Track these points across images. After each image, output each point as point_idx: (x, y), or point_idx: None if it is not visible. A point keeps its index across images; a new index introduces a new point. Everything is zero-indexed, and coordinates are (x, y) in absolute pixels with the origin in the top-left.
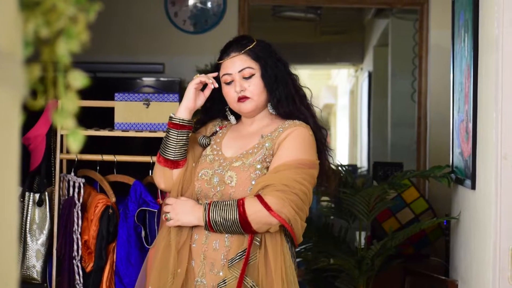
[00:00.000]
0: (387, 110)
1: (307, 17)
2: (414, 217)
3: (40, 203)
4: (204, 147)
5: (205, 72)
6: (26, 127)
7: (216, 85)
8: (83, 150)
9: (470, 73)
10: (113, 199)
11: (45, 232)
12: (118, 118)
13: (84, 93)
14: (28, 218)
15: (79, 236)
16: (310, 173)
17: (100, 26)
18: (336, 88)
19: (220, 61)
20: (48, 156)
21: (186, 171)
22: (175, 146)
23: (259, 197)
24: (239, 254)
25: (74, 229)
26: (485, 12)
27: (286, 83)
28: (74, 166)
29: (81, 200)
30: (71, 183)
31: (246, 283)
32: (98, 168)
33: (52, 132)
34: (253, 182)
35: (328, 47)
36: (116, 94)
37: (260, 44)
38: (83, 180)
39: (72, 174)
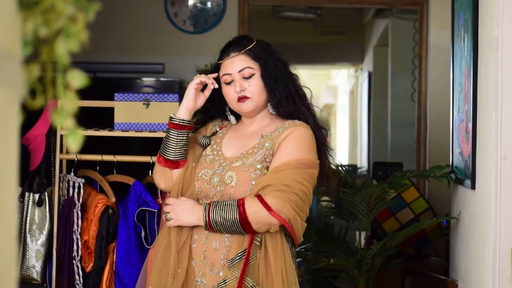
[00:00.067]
0: (387, 110)
1: (307, 17)
2: (414, 217)
3: (40, 203)
4: (204, 147)
5: (205, 72)
6: (26, 127)
7: (216, 86)
8: (83, 150)
9: (470, 73)
10: (113, 199)
11: (45, 232)
12: (118, 118)
13: (84, 93)
14: (28, 218)
15: (79, 236)
16: (310, 173)
17: (100, 26)
18: (336, 88)
19: (220, 61)
20: (48, 156)
21: (186, 171)
22: (175, 146)
23: (259, 197)
24: (239, 254)
25: (74, 229)
26: (484, 12)
27: (286, 83)
28: (74, 166)
29: (81, 200)
30: (71, 183)
31: (246, 283)
32: (98, 168)
33: (52, 132)
34: (253, 182)
35: (328, 47)
36: (116, 94)
37: (260, 44)
38: (83, 180)
39: (72, 174)
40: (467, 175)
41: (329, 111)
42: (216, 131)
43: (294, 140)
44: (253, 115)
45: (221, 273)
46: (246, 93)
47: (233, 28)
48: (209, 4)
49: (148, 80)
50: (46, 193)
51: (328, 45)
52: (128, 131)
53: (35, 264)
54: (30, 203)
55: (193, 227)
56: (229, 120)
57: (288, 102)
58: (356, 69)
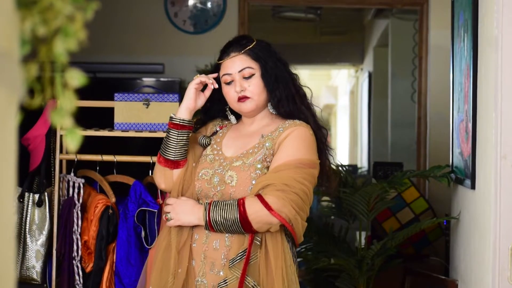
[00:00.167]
0: (387, 110)
1: (307, 18)
2: (414, 217)
3: (39, 203)
4: (204, 147)
5: (205, 72)
6: (26, 127)
7: (216, 86)
8: (83, 151)
9: (469, 73)
10: (113, 199)
11: (45, 232)
12: (118, 118)
13: (84, 93)
14: (28, 218)
15: (78, 237)
16: (310, 173)
17: (100, 26)
18: (336, 89)
19: (220, 61)
20: (48, 156)
21: (187, 171)
22: (176, 146)
23: (259, 196)
24: (239, 254)
25: (73, 229)
26: (484, 12)
27: (286, 82)
28: (73, 166)
29: (80, 200)
30: (71, 184)
31: (247, 283)
32: (98, 168)
33: (51, 132)
34: (253, 182)
35: (328, 48)
36: (115, 94)
37: (260, 44)
38: (83, 181)
39: (72, 174)
40: (467, 175)
41: (329, 111)
42: (216, 131)
43: (295, 139)
44: (253, 115)
45: (221, 273)
46: (246, 93)
47: (233, 28)
48: (209, 4)
49: (148, 80)
50: (46, 193)
51: (328, 46)
52: (128, 131)
53: (35, 265)
54: (30, 203)
55: (194, 227)
56: (229, 120)
57: (289, 102)
58: (356, 69)
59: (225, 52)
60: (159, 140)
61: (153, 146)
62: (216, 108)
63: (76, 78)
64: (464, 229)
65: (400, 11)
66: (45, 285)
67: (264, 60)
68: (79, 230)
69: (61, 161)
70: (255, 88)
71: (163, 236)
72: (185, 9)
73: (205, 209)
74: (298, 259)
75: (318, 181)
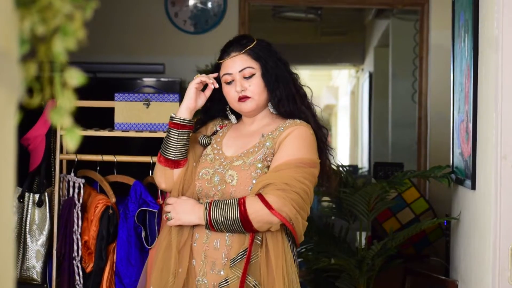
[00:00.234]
0: (388, 110)
1: (307, 18)
2: (415, 217)
3: (40, 203)
4: (205, 146)
5: (206, 72)
6: (26, 127)
7: (217, 86)
8: (83, 151)
9: (470, 73)
10: (113, 200)
11: (45, 232)
12: (118, 118)
13: (84, 93)
14: (28, 218)
15: (79, 237)
16: (311, 172)
17: (101, 26)
18: (337, 89)
19: (221, 61)
20: (48, 156)
21: (187, 171)
22: (176, 146)
23: (260, 196)
24: (240, 253)
25: (74, 229)
26: (485, 12)
27: (286, 82)
28: (74, 166)
29: (81, 200)
30: (71, 184)
31: (248, 282)
32: (98, 168)
33: (51, 132)
34: (254, 181)
35: (329, 48)
36: (116, 94)
37: (260, 44)
38: (83, 181)
39: (72, 174)
40: (467, 176)
41: (330, 111)
42: (217, 131)
43: (295, 139)
44: (253, 115)
45: (222, 272)
46: (246, 92)
47: (234, 29)
48: (209, 4)
49: (148, 80)
50: (46, 194)
51: (329, 46)
52: (128, 131)
53: (35, 265)
54: (30, 203)
55: (194, 227)
56: (230, 120)
57: (289, 101)
58: (357, 70)
59: (225, 52)
60: (160, 140)
61: (153, 146)
62: (216, 108)
63: (75, 77)
64: (464, 229)
65: (401, 11)
66: (45, 285)
67: (265, 59)
68: (79, 230)
69: (61, 161)
70: (255, 88)
71: (163, 236)
72: (185, 9)
73: (206, 209)
74: (299, 259)
75: (318, 181)
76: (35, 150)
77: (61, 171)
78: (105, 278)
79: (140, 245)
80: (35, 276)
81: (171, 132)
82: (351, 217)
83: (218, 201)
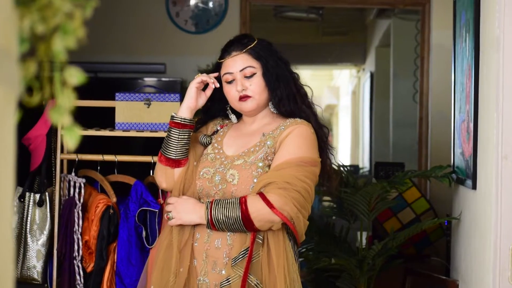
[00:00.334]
0: (389, 110)
1: (309, 18)
2: (415, 217)
3: (40, 203)
4: (205, 146)
5: (207, 72)
6: (26, 127)
7: (218, 85)
8: (84, 150)
9: (471, 73)
10: (114, 199)
11: (46, 232)
12: (119, 118)
13: (85, 93)
14: (29, 218)
15: (79, 236)
16: (312, 171)
17: (102, 26)
18: (338, 89)
19: (221, 60)
20: (49, 156)
21: (188, 170)
22: (177, 145)
23: (261, 195)
24: (242, 252)
25: (74, 229)
26: (486, 12)
27: (287, 81)
28: (74, 166)
29: (81, 200)
30: (72, 183)
31: (250, 282)
32: (99, 168)
33: (52, 132)
34: (255, 180)
35: (330, 48)
36: (117, 94)
37: (261, 43)
38: (84, 180)
39: (73, 174)
40: (468, 175)
41: (331, 111)
42: (217, 130)
43: (296, 138)
44: (254, 114)
45: (223, 272)
46: (247, 92)
47: (235, 28)
48: (210, 4)
49: (149, 80)
50: (47, 193)
51: (330, 46)
52: (129, 131)
53: (36, 264)
54: (31, 203)
55: (195, 226)
56: (230, 119)
57: (290, 101)
58: (358, 70)
59: (226, 51)
60: (160, 140)
61: (154, 146)
62: (216, 107)
63: (75, 76)
64: (465, 229)
65: (402, 11)
66: (46, 285)
67: (265, 59)
68: (80, 230)
69: (62, 160)
70: (256, 87)
71: (164, 236)
72: (186, 9)
73: (207, 208)
74: (299, 259)
75: (319, 181)
76: (35, 150)
77: (61, 171)
78: (106, 278)
79: (141, 245)
80: (35, 276)
81: (172, 132)
82: (352, 217)
83: (219, 200)
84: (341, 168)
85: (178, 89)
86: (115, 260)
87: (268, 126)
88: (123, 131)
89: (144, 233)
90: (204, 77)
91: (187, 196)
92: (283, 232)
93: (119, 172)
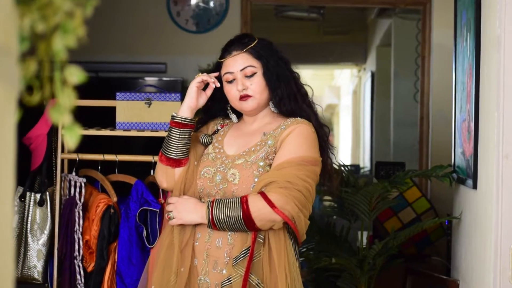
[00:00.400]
0: (390, 110)
1: (310, 17)
2: (416, 217)
3: (41, 203)
4: (206, 145)
5: (208, 71)
6: (27, 126)
7: (218, 85)
8: (85, 150)
9: (472, 72)
10: (115, 199)
11: (46, 232)
12: (119, 118)
13: (86, 93)
14: (29, 218)
15: (80, 236)
16: (313, 170)
17: (103, 25)
18: (339, 88)
19: (222, 60)
20: (49, 155)
21: (188, 170)
22: (177, 144)
23: (262, 194)
24: (243, 252)
25: (75, 229)
26: (487, 11)
27: (288, 81)
28: (75, 165)
29: (82, 199)
30: (73, 183)
31: (251, 281)
32: (99, 167)
33: (53, 131)
34: (256, 180)
35: (331, 47)
36: (117, 93)
37: (261, 43)
38: (85, 180)
39: (74, 173)
40: (469, 175)
41: (332, 111)
42: (218, 130)
43: (297, 137)
44: (255, 114)
45: (224, 271)
46: (248, 91)
47: (236, 28)
48: (211, 4)
49: (150, 79)
50: (47, 193)
51: (331, 45)
52: (130, 131)
53: (37, 264)
54: (32, 203)
55: (196, 226)
56: (231, 119)
57: (290, 100)
58: (359, 69)
59: (226, 51)
60: (161, 139)
61: (155, 145)
62: (217, 107)
63: (75, 75)
64: (466, 229)
65: (403, 10)
66: (47, 284)
67: (266, 58)
68: (80, 229)
69: (62, 160)
70: (257, 87)
71: (165, 235)
72: (187, 8)
73: (208, 207)
74: (300, 259)
75: (319, 180)
76: (36, 149)
77: (62, 171)
78: (106, 277)
79: (142, 245)
80: (36, 276)
81: (172, 131)
82: (353, 217)
83: (220, 199)
84: (342, 168)
85: (179, 89)
86: (116, 260)
87: (269, 126)
88: (124, 130)
89: (144, 232)
90: (204, 76)
91: (188, 195)
92: (284, 231)
93: (120, 172)
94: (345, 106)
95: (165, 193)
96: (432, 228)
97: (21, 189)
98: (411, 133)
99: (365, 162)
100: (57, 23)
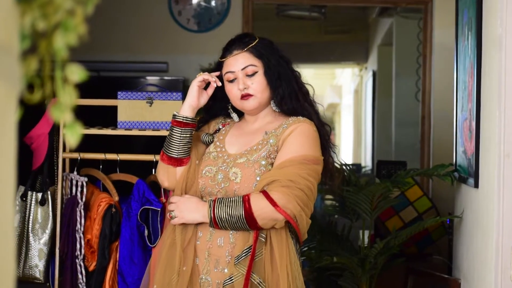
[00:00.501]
0: (391, 109)
1: (311, 16)
2: (418, 216)
3: (42, 202)
4: (207, 144)
5: (209, 71)
6: (29, 126)
7: (220, 84)
8: (86, 149)
9: (473, 71)
10: (116, 198)
11: (48, 231)
12: (121, 117)
13: (87, 92)
14: (31, 217)
15: (82, 235)
16: (314, 169)
17: (104, 25)
18: (341, 88)
19: (223, 59)
20: (51, 155)
21: (190, 169)
22: (179, 144)
23: (264, 193)
24: (245, 251)
25: (76, 228)
26: (488, 10)
27: (289, 80)
28: (76, 165)
29: (84, 199)
30: (74, 182)
31: (252, 280)
32: (101, 167)
33: (54, 131)
34: (257, 178)
35: (333, 46)
36: (119, 92)
37: (262, 42)
38: (86, 179)
39: (75, 173)
40: (470, 174)
41: (333, 110)
42: (219, 129)
43: (299, 136)
44: (256, 113)
45: (226, 270)
46: (249, 90)
47: (237, 27)
48: (213, 3)
49: (151, 78)
50: (49, 192)
51: (332, 44)
52: (131, 130)
53: (38, 264)
54: (33, 202)
55: (197, 225)
56: (232, 118)
57: (292, 99)
58: (360, 68)
59: (227, 50)
60: (163, 138)
61: (156, 144)
62: (218, 106)
63: (76, 73)
64: (467, 227)
65: (405, 9)
66: (48, 284)
67: (267, 57)
68: (82, 228)
69: (64, 159)
70: (258, 86)
71: (167, 234)
72: (189, 7)
73: (210, 206)
74: (302, 258)
75: (321, 179)
76: (38, 148)
77: (64, 170)
78: (108, 276)
79: (143, 244)
80: (37, 275)
81: (174, 130)
82: (354, 216)
83: (222, 198)
84: (344, 167)
85: (180, 88)
86: (117, 259)
87: (271, 125)
88: (125, 130)
89: (146, 232)
90: (206, 76)
91: (190, 195)
92: (286, 230)
93: (121, 171)
94: (347, 105)
95: (167, 192)
96: (434, 227)
97: (22, 188)
98: (413, 132)
99: (367, 161)
100: (58, 21)
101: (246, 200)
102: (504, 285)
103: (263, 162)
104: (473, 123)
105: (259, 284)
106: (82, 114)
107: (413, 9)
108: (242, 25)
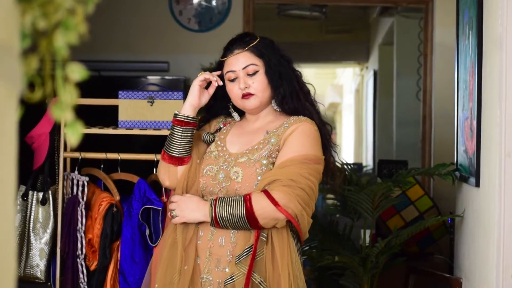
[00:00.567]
0: (392, 108)
1: (312, 16)
2: (419, 215)
3: (43, 201)
4: (208, 143)
5: (210, 70)
6: (30, 125)
7: (221, 83)
8: (87, 148)
9: (474, 70)
10: (117, 197)
11: (49, 231)
12: (122, 116)
13: (88, 91)
14: (32, 217)
15: (83, 235)
16: (316, 168)
17: (105, 25)
18: (342, 87)
19: (224, 58)
20: (52, 154)
21: (191, 168)
22: (180, 143)
23: (266, 192)
24: (246, 250)
25: (78, 227)
26: (489, 9)
27: (290, 79)
28: (77, 164)
29: (85, 198)
30: (75, 182)
31: (253, 279)
32: (102, 166)
33: (55, 130)
34: (259, 178)
35: (333, 46)
36: (120, 92)
37: (263, 41)
38: (87, 179)
39: (76, 172)
40: (471, 173)
41: (334, 109)
42: (220, 128)
43: (300, 135)
44: (257, 112)
45: (227, 270)
46: (250, 90)
47: (238, 27)
48: (214, 2)
49: (152, 78)
50: (50, 192)
51: (333, 44)
52: (132, 129)
53: (39, 263)
54: (34, 201)
55: (198, 224)
56: (233, 117)
57: (293, 98)
58: (361, 68)
59: (228, 49)
60: (164, 138)
61: (157, 144)
62: (219, 106)
63: (77, 72)
64: (469, 227)
65: (405, 9)
66: (49, 283)
67: (268, 57)
68: (83, 228)
69: (65, 159)
70: (259, 85)
71: (168, 234)
72: (190, 7)
73: (211, 205)
74: (303, 257)
75: (322, 178)
76: (39, 148)
77: (65, 169)
78: (109, 276)
79: (144, 243)
80: (39, 275)
81: (175, 129)
82: (355, 215)
83: (224, 197)
84: (345, 166)
85: (181, 87)
86: (119, 259)
87: (272, 124)
88: (126, 129)
89: (147, 231)
90: (207, 75)
91: (191, 194)
92: (287, 229)
93: (122, 170)
94: (348, 105)
95: (168, 191)
96: (435, 226)
97: (23, 188)
98: (414, 132)
99: (368, 161)
100: (59, 20)
101: (247, 199)
102: (506, 284)
103: (264, 162)
104: (474, 122)
105: (260, 283)
106: (83, 114)
107: (414, 9)
108: (243, 25)
